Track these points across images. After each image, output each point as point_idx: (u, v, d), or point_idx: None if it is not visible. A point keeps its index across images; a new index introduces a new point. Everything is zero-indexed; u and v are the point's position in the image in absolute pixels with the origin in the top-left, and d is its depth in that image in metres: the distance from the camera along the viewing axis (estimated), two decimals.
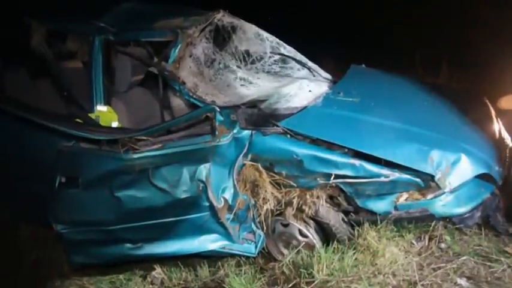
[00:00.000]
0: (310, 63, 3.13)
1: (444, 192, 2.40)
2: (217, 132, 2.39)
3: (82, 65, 3.33)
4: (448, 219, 2.47)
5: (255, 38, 3.00)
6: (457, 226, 2.48)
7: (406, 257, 2.35)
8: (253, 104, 2.65)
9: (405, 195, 2.46)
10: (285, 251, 2.75)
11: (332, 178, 2.43)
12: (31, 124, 2.50)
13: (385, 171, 2.40)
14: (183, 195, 2.39)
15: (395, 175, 2.39)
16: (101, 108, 2.66)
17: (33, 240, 3.21)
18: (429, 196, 2.42)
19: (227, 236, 2.56)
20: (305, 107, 2.69)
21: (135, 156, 2.35)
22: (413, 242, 2.51)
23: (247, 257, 2.77)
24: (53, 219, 2.50)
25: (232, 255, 2.76)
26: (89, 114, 2.64)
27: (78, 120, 2.59)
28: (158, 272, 2.85)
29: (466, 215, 2.43)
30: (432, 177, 2.38)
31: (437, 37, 5.32)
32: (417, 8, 5.67)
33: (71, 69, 3.17)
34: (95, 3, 3.12)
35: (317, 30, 5.71)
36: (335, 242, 2.54)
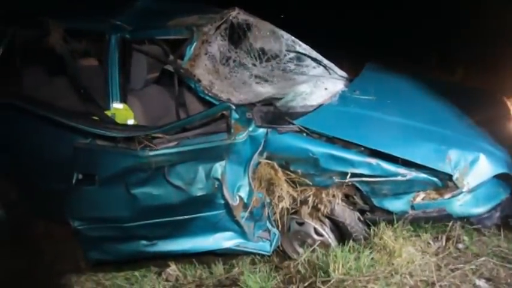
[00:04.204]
0: (325, 61, 3.11)
1: (462, 192, 2.36)
2: (232, 130, 2.38)
3: (97, 63, 3.36)
4: (466, 220, 2.44)
5: (270, 35, 2.99)
6: (475, 226, 2.45)
7: (423, 257, 2.33)
8: (268, 102, 2.64)
9: (422, 195, 2.44)
10: (300, 250, 2.74)
11: (348, 177, 2.40)
12: (49, 121, 2.53)
13: (402, 170, 2.37)
14: (199, 193, 2.39)
15: (412, 174, 2.36)
16: (117, 105, 2.66)
17: (50, 236, 3.25)
18: (447, 196, 2.39)
19: (242, 234, 2.56)
20: (321, 105, 2.67)
21: (151, 153, 2.36)
22: (430, 242, 2.48)
23: (262, 255, 2.77)
24: (70, 215, 2.52)
25: (247, 253, 2.75)
26: (105, 112, 2.65)
27: (94, 117, 2.60)
28: (173, 269, 2.86)
29: (484, 216, 2.39)
30: (450, 176, 2.34)
31: (453, 35, 5.26)
32: (432, 6, 5.61)
33: (86, 67, 3.19)
34: (110, 2, 3.15)
35: (331, 28, 5.67)
36: (351, 241, 2.51)
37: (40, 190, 2.96)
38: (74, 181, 2.48)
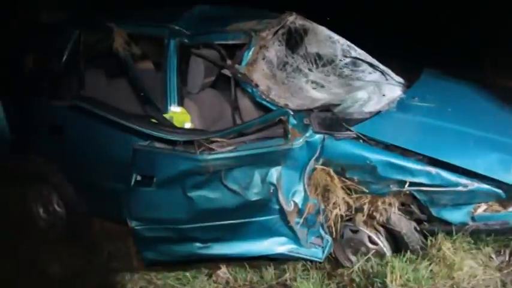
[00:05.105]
0: (381, 66, 3.06)
1: None
2: (289, 136, 2.38)
3: (153, 66, 3.44)
4: None
5: (326, 40, 2.97)
6: None
7: (485, 272, 2.25)
8: (326, 107, 2.62)
9: (484, 206, 2.35)
10: (353, 258, 2.69)
11: (406, 185, 2.35)
12: (110, 123, 2.61)
13: (463, 180, 2.29)
14: (254, 198, 2.39)
15: (474, 185, 2.28)
16: (175, 109, 2.72)
17: (105, 235, 3.35)
18: (510, 208, 2.29)
19: (295, 239, 2.54)
20: (379, 112, 2.63)
21: (210, 157, 2.38)
22: (493, 256, 2.39)
23: (313, 262, 2.75)
24: (128, 215, 2.58)
25: (299, 259, 2.74)
26: (163, 115, 2.71)
27: (153, 120, 2.66)
28: (223, 271, 2.87)
29: None
30: None
31: (507, 37, 5.06)
32: (485, 6, 5.43)
33: (143, 70, 3.27)
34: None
35: (383, 31, 5.57)
36: (408, 251, 2.46)
37: (99, 190, 3.05)
38: (132, 182, 2.54)
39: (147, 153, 2.55)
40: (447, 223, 2.40)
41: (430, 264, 2.31)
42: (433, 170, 2.32)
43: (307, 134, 2.42)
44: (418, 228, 2.51)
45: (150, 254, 2.72)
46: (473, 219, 2.35)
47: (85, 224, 3.35)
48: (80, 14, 3.29)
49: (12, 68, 3.40)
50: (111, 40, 2.78)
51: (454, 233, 2.39)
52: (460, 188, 2.29)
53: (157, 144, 2.55)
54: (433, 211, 2.40)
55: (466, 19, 5.63)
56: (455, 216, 2.38)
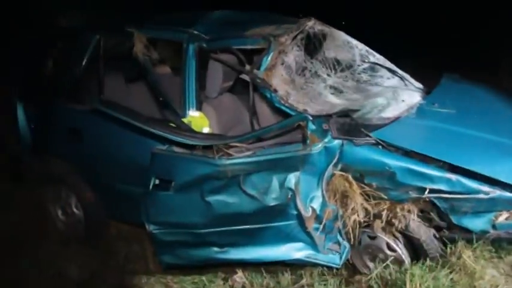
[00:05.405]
0: (400, 72, 3.04)
1: None
2: (308, 141, 2.38)
3: (170, 71, 3.46)
4: None
5: (344, 45, 2.96)
6: None
7: (507, 281, 2.21)
8: (345, 113, 2.61)
9: (505, 214, 2.32)
10: (371, 265, 2.67)
11: (426, 192, 2.33)
12: (129, 126, 2.63)
13: (484, 187, 2.27)
14: (272, 203, 2.39)
15: (495, 192, 2.25)
16: (193, 113, 2.73)
17: (121, 237, 3.37)
18: None
19: (312, 245, 2.53)
20: (398, 118, 2.61)
21: (228, 162, 2.39)
22: None
23: (331, 268, 2.73)
24: (146, 219, 2.59)
25: (316, 265, 2.72)
26: (182, 119, 2.72)
27: (172, 124, 2.68)
28: (240, 276, 2.86)
29: None
30: None
31: None
32: (501, 8, 5.37)
33: (160, 74, 3.29)
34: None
35: (398, 35, 5.53)
36: (427, 259, 2.43)
37: (117, 193, 3.08)
38: (150, 186, 2.56)
39: (165, 157, 2.56)
40: (467, 231, 2.37)
41: (450, 272, 2.28)
42: (453, 176, 2.30)
43: (326, 140, 2.41)
44: (437, 236, 2.49)
45: (167, 258, 2.74)
46: (494, 227, 2.33)
47: (102, 226, 3.37)
48: (98, 16, 3.30)
49: (33, 72, 3.45)
50: (131, 45, 2.80)
51: (474, 241, 2.36)
52: (481, 196, 2.27)
53: (176, 149, 2.57)
54: (453, 218, 2.37)
55: (481, 22, 5.58)
56: (476, 224, 2.35)
